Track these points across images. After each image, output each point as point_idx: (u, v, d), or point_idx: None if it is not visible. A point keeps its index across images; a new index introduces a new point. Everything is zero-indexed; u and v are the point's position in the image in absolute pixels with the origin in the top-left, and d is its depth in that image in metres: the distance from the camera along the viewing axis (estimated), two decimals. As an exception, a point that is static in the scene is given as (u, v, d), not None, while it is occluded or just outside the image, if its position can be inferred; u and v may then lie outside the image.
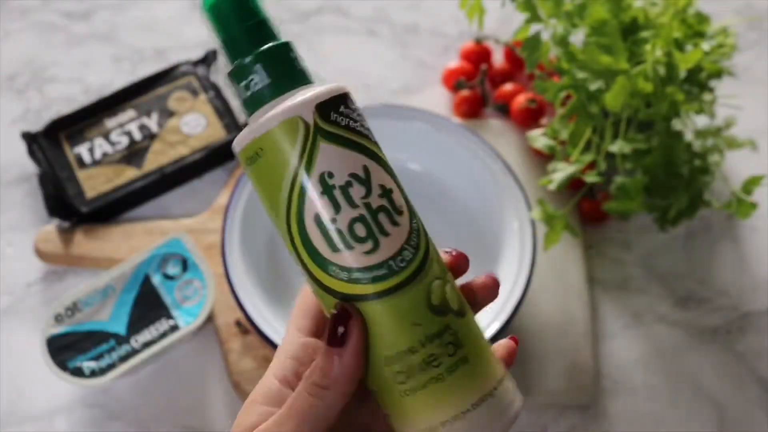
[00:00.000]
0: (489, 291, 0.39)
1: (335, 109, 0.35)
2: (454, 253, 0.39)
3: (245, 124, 0.75)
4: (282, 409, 0.36)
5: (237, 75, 0.36)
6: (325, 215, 0.34)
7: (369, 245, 0.34)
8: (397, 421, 0.36)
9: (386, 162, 0.37)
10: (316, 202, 0.34)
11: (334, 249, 0.35)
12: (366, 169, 0.35)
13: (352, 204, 0.34)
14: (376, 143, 0.36)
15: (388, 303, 0.35)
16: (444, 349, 0.35)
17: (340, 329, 0.35)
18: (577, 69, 0.64)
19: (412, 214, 0.37)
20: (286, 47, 0.36)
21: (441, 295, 0.36)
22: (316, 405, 0.35)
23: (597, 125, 0.67)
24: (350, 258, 0.35)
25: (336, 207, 0.34)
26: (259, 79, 0.35)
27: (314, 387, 0.35)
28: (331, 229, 0.35)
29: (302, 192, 0.35)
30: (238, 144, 0.36)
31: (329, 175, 0.34)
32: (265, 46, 0.35)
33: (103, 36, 0.82)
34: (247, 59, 0.35)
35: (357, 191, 0.35)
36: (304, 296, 0.39)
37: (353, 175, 0.35)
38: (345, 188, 0.34)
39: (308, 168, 0.34)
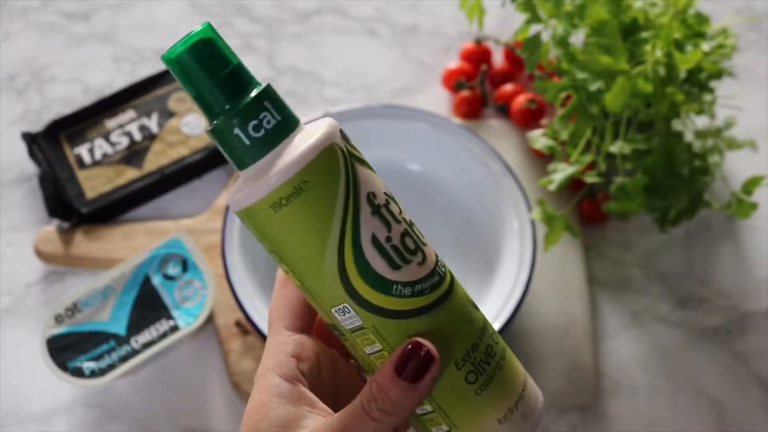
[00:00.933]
0: None
1: (346, 134, 0.35)
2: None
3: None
4: (337, 426, 0.35)
5: (246, 116, 0.33)
6: (381, 234, 0.34)
7: (419, 256, 0.35)
8: (474, 425, 0.37)
9: None
10: (370, 222, 0.34)
11: (395, 267, 0.34)
12: (386, 187, 0.36)
13: (396, 220, 0.35)
14: None
15: (449, 306, 0.36)
16: (493, 338, 0.37)
17: (422, 368, 0.34)
18: (577, 69, 0.64)
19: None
20: (271, 88, 0.34)
21: (466, 291, 0.38)
22: (378, 429, 0.35)
23: (597, 126, 0.67)
24: (410, 272, 0.35)
25: (387, 225, 0.34)
26: (270, 116, 0.33)
27: (381, 414, 0.35)
28: (388, 247, 0.34)
29: (356, 215, 0.34)
30: (260, 191, 0.33)
31: (373, 195, 0.34)
32: (266, 85, 0.34)
33: (103, 36, 0.82)
34: (253, 99, 0.33)
35: (394, 207, 0.35)
36: (283, 295, 0.39)
37: (386, 194, 0.35)
38: (387, 206, 0.35)
39: (356, 190, 0.34)
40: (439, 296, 0.36)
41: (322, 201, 0.33)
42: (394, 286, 0.34)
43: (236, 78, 0.34)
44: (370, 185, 0.35)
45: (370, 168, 0.36)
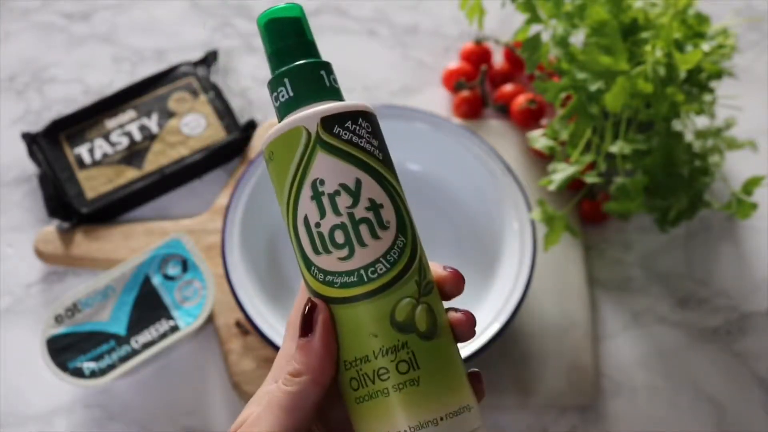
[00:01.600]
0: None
1: (340, 123, 0.37)
2: (449, 270, 0.39)
3: (242, 126, 0.75)
4: (261, 405, 0.36)
5: (271, 86, 0.39)
6: (312, 218, 0.37)
7: (344, 252, 0.37)
8: (353, 426, 0.38)
9: (387, 179, 0.38)
10: (306, 205, 0.37)
11: (316, 251, 0.37)
12: (358, 181, 0.37)
13: (337, 212, 0.37)
14: (381, 161, 0.38)
15: (352, 309, 0.37)
16: (396, 365, 0.36)
17: (308, 319, 0.37)
18: (577, 69, 0.64)
19: (403, 232, 0.38)
20: (314, 66, 0.39)
21: (407, 313, 0.37)
22: (291, 393, 0.36)
23: (597, 126, 0.67)
24: (326, 261, 0.37)
25: (322, 212, 0.37)
26: (285, 92, 0.38)
27: (288, 377, 0.36)
28: (314, 231, 0.37)
29: (297, 194, 0.37)
30: (263, 144, 0.39)
31: (320, 182, 0.37)
32: (294, 64, 0.38)
33: (103, 36, 0.82)
34: (278, 74, 0.39)
35: (343, 200, 0.37)
36: (300, 303, 0.40)
37: (343, 185, 0.37)
38: (333, 196, 0.37)
39: (304, 173, 0.37)
40: (346, 296, 0.37)
41: (280, 172, 0.38)
42: (312, 267, 0.37)
43: (300, 49, 0.39)
44: (323, 173, 0.37)
45: (348, 159, 0.37)
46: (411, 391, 0.36)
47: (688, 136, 0.71)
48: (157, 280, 0.65)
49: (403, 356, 0.36)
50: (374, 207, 0.37)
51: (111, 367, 0.62)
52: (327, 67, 0.40)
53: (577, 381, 0.66)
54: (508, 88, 0.77)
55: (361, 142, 0.37)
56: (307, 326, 0.37)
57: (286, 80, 0.38)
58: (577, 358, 0.67)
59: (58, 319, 0.63)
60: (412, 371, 0.36)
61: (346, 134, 0.37)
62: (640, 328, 0.70)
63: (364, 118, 0.38)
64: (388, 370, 0.36)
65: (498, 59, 0.81)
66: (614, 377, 0.68)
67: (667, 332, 0.70)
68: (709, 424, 0.66)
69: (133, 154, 0.74)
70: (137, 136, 0.74)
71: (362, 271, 0.36)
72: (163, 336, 0.63)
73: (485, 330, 0.62)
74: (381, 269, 0.37)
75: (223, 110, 0.76)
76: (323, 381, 0.36)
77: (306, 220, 0.37)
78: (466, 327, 0.38)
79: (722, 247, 0.74)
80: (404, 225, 0.38)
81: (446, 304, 0.39)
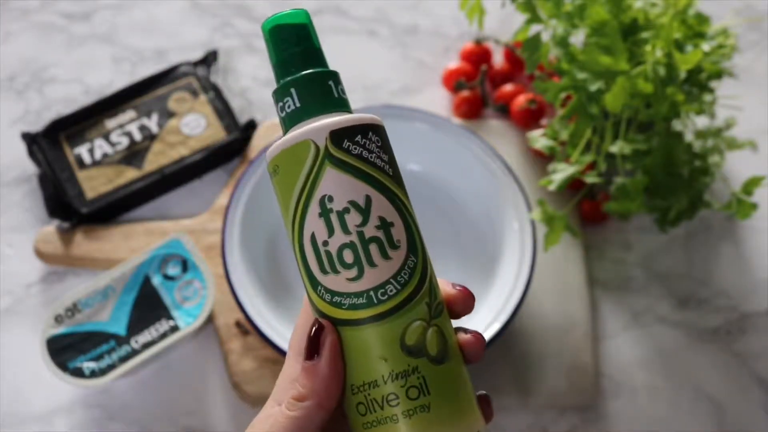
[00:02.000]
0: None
1: (350, 137, 0.36)
2: (458, 289, 0.38)
3: (242, 126, 0.75)
4: (263, 430, 0.35)
5: (277, 96, 0.38)
6: (319, 237, 0.36)
7: (354, 272, 0.35)
8: None
9: (398, 196, 0.37)
10: (314, 222, 0.36)
11: (323, 270, 0.36)
12: (368, 198, 0.36)
13: (345, 230, 0.35)
14: (392, 177, 0.37)
15: (361, 332, 0.35)
16: (406, 390, 0.35)
17: (315, 342, 0.35)
18: (577, 70, 0.64)
19: (414, 252, 0.36)
20: (322, 76, 0.37)
21: (418, 337, 0.35)
22: (294, 418, 0.35)
23: (597, 126, 0.67)
24: (334, 282, 0.35)
25: (330, 230, 0.35)
26: (291, 102, 0.37)
27: (292, 402, 0.35)
28: (322, 250, 0.35)
29: (304, 210, 0.36)
30: (267, 157, 0.38)
31: (329, 199, 0.35)
32: (301, 73, 0.37)
33: (103, 36, 0.82)
34: (284, 83, 0.37)
35: (353, 218, 0.35)
36: (303, 322, 0.39)
37: (352, 203, 0.35)
38: (342, 214, 0.35)
39: (312, 189, 0.36)
40: (355, 319, 0.35)
41: (286, 187, 0.36)
42: (318, 286, 0.36)
43: (306, 58, 0.38)
44: (332, 189, 0.35)
45: (358, 175, 0.36)
46: (421, 418, 0.35)
47: (688, 136, 0.71)
48: (157, 280, 0.65)
49: (413, 381, 0.35)
50: (384, 226, 0.36)
51: (111, 367, 0.62)
52: (335, 77, 0.38)
53: (577, 381, 0.66)
54: (508, 88, 0.77)
55: (371, 157, 0.36)
56: (313, 348, 0.35)
57: (292, 90, 0.37)
58: (577, 358, 0.67)
59: (58, 319, 0.63)
60: (422, 397, 0.35)
61: (356, 149, 0.36)
62: (640, 328, 0.70)
63: (374, 132, 0.37)
64: (398, 396, 0.35)
65: (498, 59, 0.81)
66: (614, 377, 0.68)
67: (667, 332, 0.70)
68: (709, 424, 0.66)
69: (133, 154, 0.74)
70: (137, 136, 0.74)
71: (372, 293, 0.35)
72: (163, 336, 0.63)
73: (485, 330, 0.62)
74: (391, 291, 0.35)
75: (223, 110, 0.76)
76: (328, 406, 0.35)
77: (313, 238, 0.36)
78: (476, 349, 0.37)
79: (722, 247, 0.74)
80: (415, 244, 0.36)
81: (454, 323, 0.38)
